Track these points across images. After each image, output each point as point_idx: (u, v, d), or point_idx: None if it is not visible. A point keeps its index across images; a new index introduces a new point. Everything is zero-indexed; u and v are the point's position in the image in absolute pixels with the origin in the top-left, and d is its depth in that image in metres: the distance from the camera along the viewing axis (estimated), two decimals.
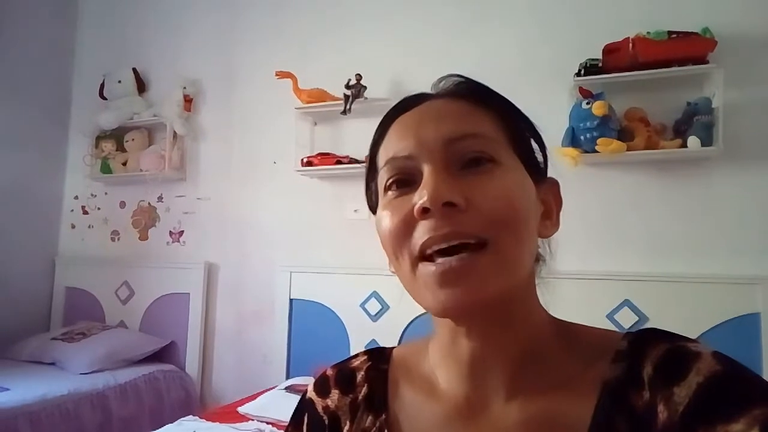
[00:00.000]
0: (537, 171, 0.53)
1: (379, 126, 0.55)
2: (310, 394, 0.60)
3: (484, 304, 0.45)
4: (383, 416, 0.54)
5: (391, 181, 0.50)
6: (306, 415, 0.59)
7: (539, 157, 0.54)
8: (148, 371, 2.65)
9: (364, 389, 0.57)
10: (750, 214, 2.07)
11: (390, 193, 0.50)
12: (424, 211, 0.45)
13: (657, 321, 2.08)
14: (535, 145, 0.54)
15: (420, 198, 0.45)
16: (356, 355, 0.62)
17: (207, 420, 2.00)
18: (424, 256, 0.46)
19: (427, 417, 0.52)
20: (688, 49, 2.03)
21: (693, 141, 1.99)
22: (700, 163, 2.13)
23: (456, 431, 0.50)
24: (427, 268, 0.46)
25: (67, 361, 2.56)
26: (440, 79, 0.55)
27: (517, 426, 0.47)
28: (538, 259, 0.53)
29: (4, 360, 2.68)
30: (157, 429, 1.88)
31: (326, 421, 0.57)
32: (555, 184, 0.55)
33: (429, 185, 0.45)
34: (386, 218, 0.49)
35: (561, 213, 0.55)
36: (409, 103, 0.53)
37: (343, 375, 0.59)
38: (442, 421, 0.51)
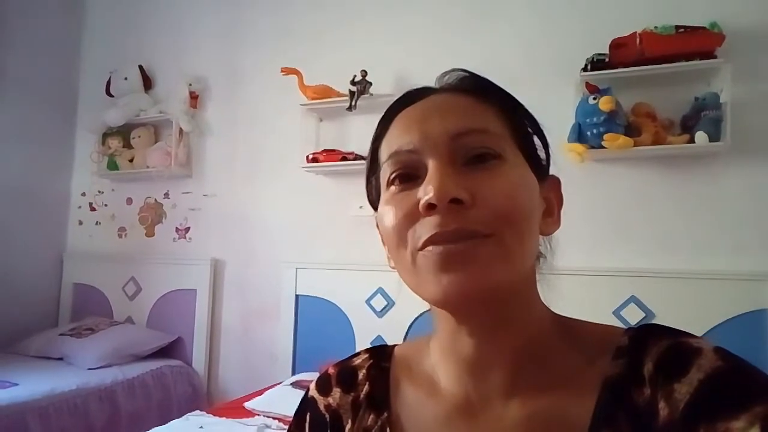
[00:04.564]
0: (540, 168, 0.52)
1: (381, 120, 0.54)
2: (312, 392, 0.60)
3: (485, 295, 0.44)
4: (385, 415, 0.54)
5: (394, 175, 0.49)
6: (308, 413, 0.59)
7: (542, 154, 0.53)
8: (155, 366, 2.67)
9: (366, 387, 0.56)
10: (757, 210, 2.05)
11: (393, 187, 0.49)
12: (430, 207, 0.44)
13: (664, 317, 2.07)
14: (538, 143, 0.53)
15: (426, 194, 0.44)
16: (358, 354, 0.61)
17: (214, 415, 2.01)
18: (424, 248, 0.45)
19: (428, 415, 0.52)
20: (695, 43, 2.01)
21: (700, 136, 1.97)
22: (707, 159, 2.11)
23: (457, 429, 0.50)
24: (429, 255, 0.45)
25: (75, 357, 2.58)
26: (444, 74, 0.55)
27: (518, 423, 0.47)
28: (539, 256, 0.53)
29: (13, 355, 2.71)
30: (165, 424, 1.90)
31: (328, 420, 0.56)
32: (556, 181, 0.55)
33: (435, 180, 0.45)
34: (389, 213, 0.48)
35: (562, 211, 0.54)
36: (412, 97, 0.53)
37: (345, 373, 0.59)
38: (443, 419, 0.51)
